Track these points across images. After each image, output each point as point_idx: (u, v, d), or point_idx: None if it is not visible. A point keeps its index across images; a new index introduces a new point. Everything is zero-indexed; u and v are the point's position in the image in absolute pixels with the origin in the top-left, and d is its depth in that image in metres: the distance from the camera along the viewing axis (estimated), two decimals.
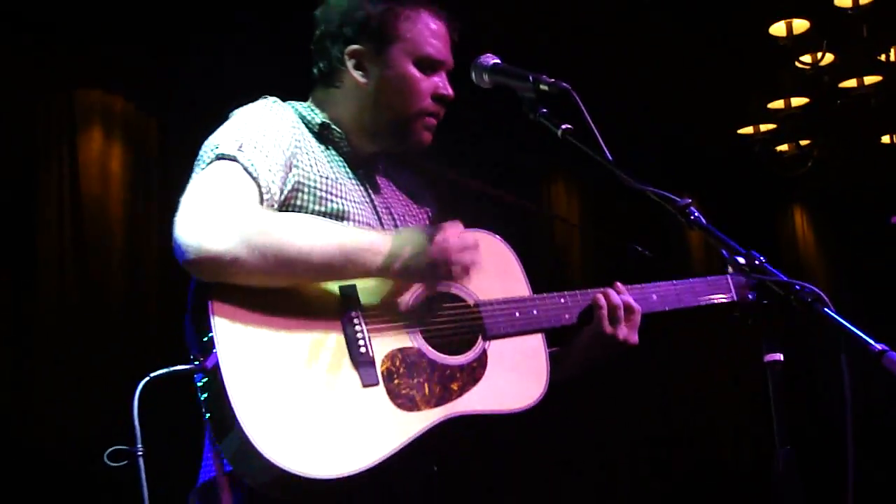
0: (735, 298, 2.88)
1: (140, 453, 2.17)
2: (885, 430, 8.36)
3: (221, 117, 2.57)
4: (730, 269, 2.73)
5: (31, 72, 5.50)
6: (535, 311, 2.63)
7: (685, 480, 8.26)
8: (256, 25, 5.69)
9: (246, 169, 2.34)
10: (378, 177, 2.76)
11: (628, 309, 2.73)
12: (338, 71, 2.65)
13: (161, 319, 5.66)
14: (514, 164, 7.19)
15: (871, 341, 1.83)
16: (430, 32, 2.64)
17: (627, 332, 2.73)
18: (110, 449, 2.17)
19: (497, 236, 2.69)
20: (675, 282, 2.87)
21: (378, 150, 2.74)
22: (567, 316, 2.72)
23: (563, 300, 2.68)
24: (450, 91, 2.66)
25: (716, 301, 2.90)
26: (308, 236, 2.30)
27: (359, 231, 2.45)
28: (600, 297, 2.73)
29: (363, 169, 2.70)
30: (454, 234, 2.44)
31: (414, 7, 2.64)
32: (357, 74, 2.63)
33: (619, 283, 2.79)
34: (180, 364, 2.28)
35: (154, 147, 5.96)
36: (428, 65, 2.63)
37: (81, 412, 5.24)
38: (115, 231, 5.71)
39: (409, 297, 2.48)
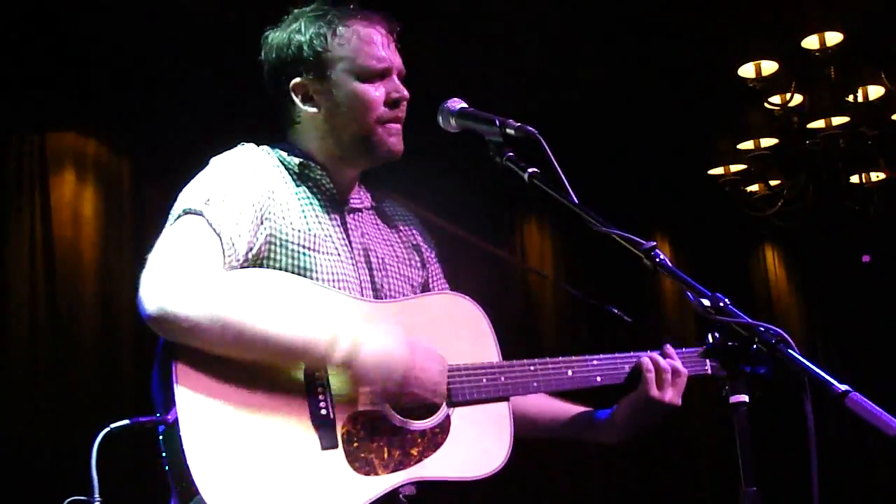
0: (709, 372, 2.88)
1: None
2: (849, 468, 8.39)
3: (194, 161, 2.58)
4: (710, 340, 2.76)
5: (3, 114, 5.49)
6: (502, 379, 2.60)
7: None
8: (231, 67, 5.70)
9: (211, 224, 2.34)
10: (366, 215, 2.76)
11: (675, 372, 2.75)
12: (291, 108, 2.66)
13: (134, 365, 5.63)
14: (486, 203, 7.22)
15: (835, 382, 1.84)
16: (366, 43, 2.61)
17: (672, 396, 2.74)
18: (68, 500, 2.16)
19: (469, 299, 2.68)
20: (649, 353, 2.82)
21: (357, 173, 2.73)
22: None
23: (532, 367, 2.65)
24: (403, 93, 2.64)
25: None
26: (271, 320, 2.28)
27: (324, 323, 2.37)
28: (647, 361, 2.74)
29: (346, 207, 2.69)
30: (423, 356, 2.43)
31: (344, 23, 2.62)
32: (306, 106, 2.63)
33: (668, 346, 2.80)
34: (153, 410, 2.28)
35: (127, 190, 5.95)
36: (372, 76, 2.61)
37: (49, 457, 5.20)
38: (88, 275, 5.69)
39: None
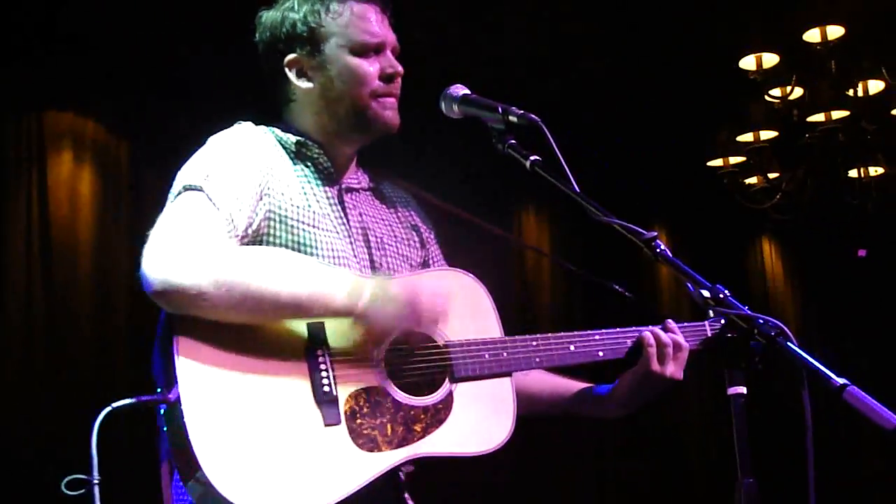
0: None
1: (96, 483, 2.16)
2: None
3: (192, 142, 2.58)
4: (710, 314, 2.77)
5: (1, 93, 5.47)
6: (504, 354, 2.59)
7: None
8: (229, 49, 5.70)
9: (211, 199, 2.35)
10: (364, 195, 2.76)
11: (676, 346, 2.75)
12: (286, 86, 2.66)
13: (129, 345, 5.63)
14: (484, 191, 7.21)
15: (833, 375, 1.84)
16: (360, 18, 2.62)
17: (674, 370, 2.74)
18: (68, 478, 2.17)
19: (471, 275, 2.67)
20: (651, 328, 2.84)
21: (353, 151, 2.74)
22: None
23: (535, 343, 2.65)
24: (398, 68, 2.65)
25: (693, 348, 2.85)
26: (275, 275, 2.29)
27: (328, 270, 2.41)
28: (649, 335, 2.74)
29: (344, 186, 2.69)
30: (427, 282, 2.43)
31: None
32: (301, 83, 2.63)
33: (670, 321, 2.80)
34: (146, 392, 2.27)
35: (124, 171, 5.94)
36: (365, 50, 2.61)
37: (44, 438, 5.20)
38: (84, 255, 5.67)
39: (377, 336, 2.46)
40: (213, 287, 2.21)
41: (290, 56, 2.63)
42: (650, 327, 2.77)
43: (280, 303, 2.29)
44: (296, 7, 2.63)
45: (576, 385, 2.90)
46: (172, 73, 5.86)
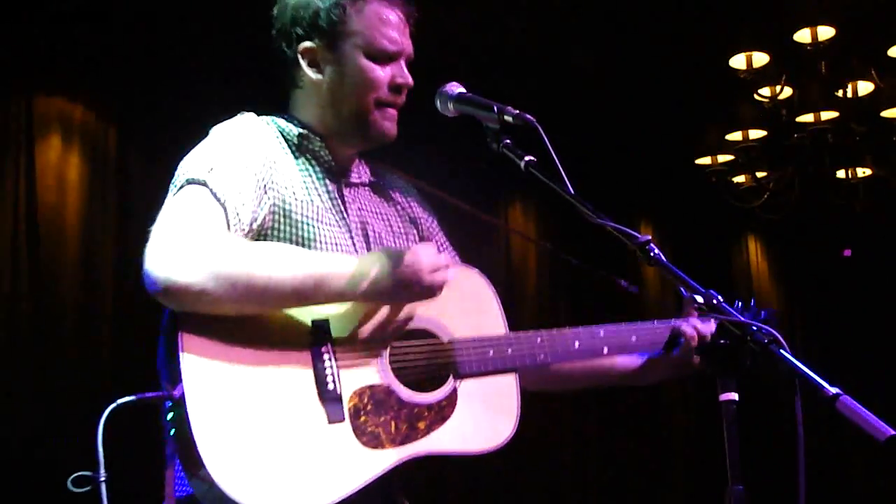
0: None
1: (103, 480, 2.15)
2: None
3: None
4: (739, 303, 2.83)
5: None
6: (509, 351, 2.60)
7: None
8: (219, 35, 5.68)
9: (214, 194, 2.32)
10: (363, 190, 2.75)
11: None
12: (295, 71, 2.64)
13: (116, 331, 5.61)
14: (470, 185, 7.19)
15: (826, 385, 1.84)
16: (381, 23, 2.60)
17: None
18: (74, 475, 2.15)
19: (476, 271, 2.67)
20: (656, 322, 2.90)
21: (353, 151, 2.72)
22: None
23: (539, 339, 2.66)
24: (408, 80, 2.64)
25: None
26: (276, 264, 2.26)
27: (327, 256, 2.41)
28: (691, 328, 2.85)
29: (344, 180, 2.68)
30: (425, 254, 2.41)
31: None
32: (311, 72, 2.61)
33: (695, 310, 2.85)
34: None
35: (112, 157, 5.91)
36: (381, 56, 2.60)
37: (25, 423, 5.18)
38: (71, 241, 5.64)
39: (382, 332, 2.45)
40: (214, 283, 2.18)
41: (306, 44, 2.61)
42: (685, 320, 2.87)
43: (283, 293, 2.27)
44: None
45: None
46: (161, 59, 5.84)
